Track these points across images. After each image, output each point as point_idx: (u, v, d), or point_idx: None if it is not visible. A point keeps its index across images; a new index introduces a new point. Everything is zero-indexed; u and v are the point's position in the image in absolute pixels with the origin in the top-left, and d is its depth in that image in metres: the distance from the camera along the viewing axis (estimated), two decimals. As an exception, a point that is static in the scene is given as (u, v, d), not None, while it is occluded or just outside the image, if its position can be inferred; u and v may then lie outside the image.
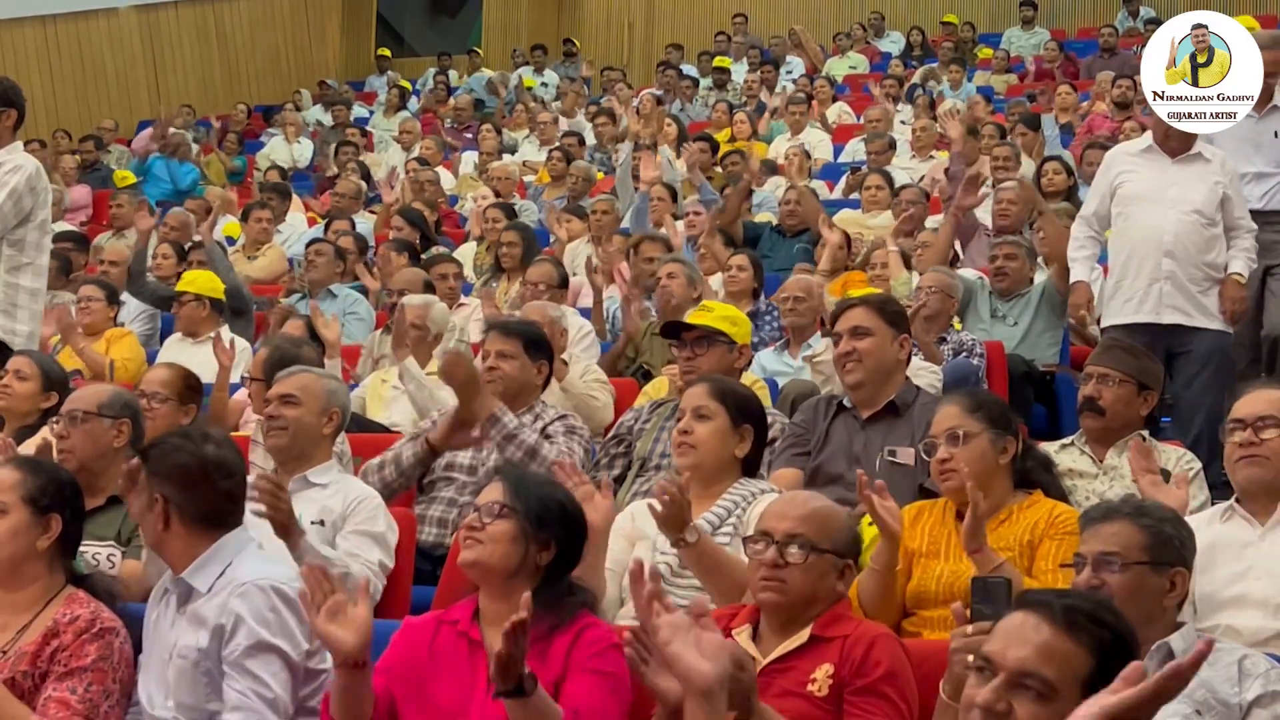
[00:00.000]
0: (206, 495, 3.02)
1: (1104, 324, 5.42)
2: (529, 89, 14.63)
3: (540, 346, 4.46)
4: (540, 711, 2.55)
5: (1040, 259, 6.46)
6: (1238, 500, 3.31)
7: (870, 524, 3.19)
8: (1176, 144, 5.29)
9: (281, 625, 2.90)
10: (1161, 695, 1.80)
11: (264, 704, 2.84)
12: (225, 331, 6.46)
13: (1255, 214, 5.46)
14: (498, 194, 9.63)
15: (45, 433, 4.10)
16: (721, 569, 3.17)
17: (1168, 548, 2.71)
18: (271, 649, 2.88)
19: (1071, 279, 5.56)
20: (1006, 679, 1.99)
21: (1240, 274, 5.30)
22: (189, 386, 4.47)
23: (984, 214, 7.34)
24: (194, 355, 6.11)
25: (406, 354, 5.21)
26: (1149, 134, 5.47)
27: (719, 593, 3.16)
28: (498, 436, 4.05)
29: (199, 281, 6.62)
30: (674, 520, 3.14)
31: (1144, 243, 5.25)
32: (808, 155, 9.96)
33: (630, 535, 3.48)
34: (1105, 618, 2.05)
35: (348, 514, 3.68)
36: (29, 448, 3.98)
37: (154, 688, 2.97)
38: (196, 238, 8.37)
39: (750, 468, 3.57)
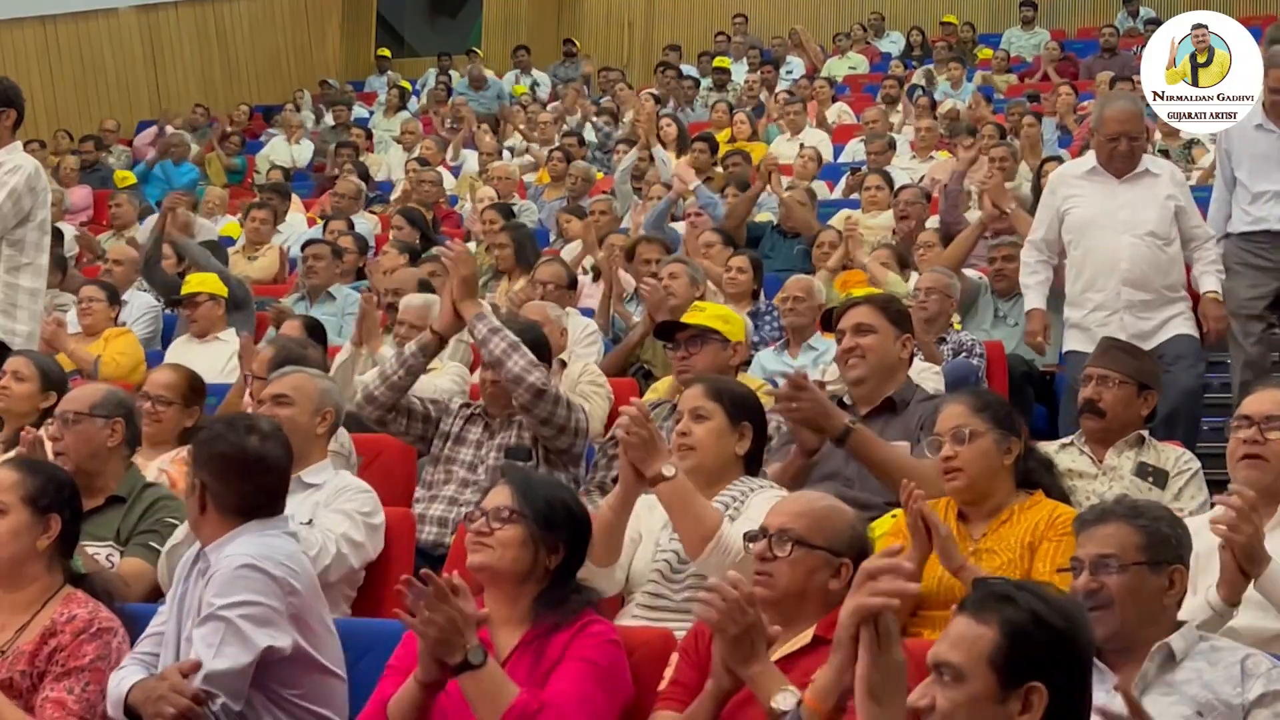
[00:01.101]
0: (242, 487, 3.03)
1: (1065, 349, 5.33)
2: (518, 95, 14.59)
3: (540, 351, 4.46)
4: (494, 685, 2.62)
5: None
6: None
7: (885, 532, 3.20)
8: (1121, 165, 5.15)
9: (239, 597, 2.88)
10: None
11: (198, 670, 2.85)
12: (230, 334, 6.46)
13: (1273, 235, 5.41)
14: (499, 194, 9.62)
15: (42, 433, 4.10)
16: (692, 510, 3.17)
17: (1164, 546, 2.71)
18: (216, 619, 2.88)
19: (1026, 306, 5.42)
20: (932, 676, 2.10)
21: (1215, 291, 5.20)
22: (193, 389, 4.47)
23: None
24: (200, 355, 6.11)
25: (378, 345, 5.23)
26: (1092, 155, 5.33)
27: (687, 536, 3.18)
28: (484, 330, 4.17)
29: (209, 282, 6.63)
30: (645, 453, 3.14)
31: (1100, 271, 5.13)
32: (819, 161, 9.99)
33: (632, 529, 3.47)
34: (1018, 596, 2.10)
35: (331, 501, 3.70)
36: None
37: (169, 661, 2.98)
38: (201, 236, 8.37)
39: (752, 465, 3.57)
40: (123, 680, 2.95)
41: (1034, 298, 5.37)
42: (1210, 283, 5.22)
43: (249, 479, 3.04)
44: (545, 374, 4.22)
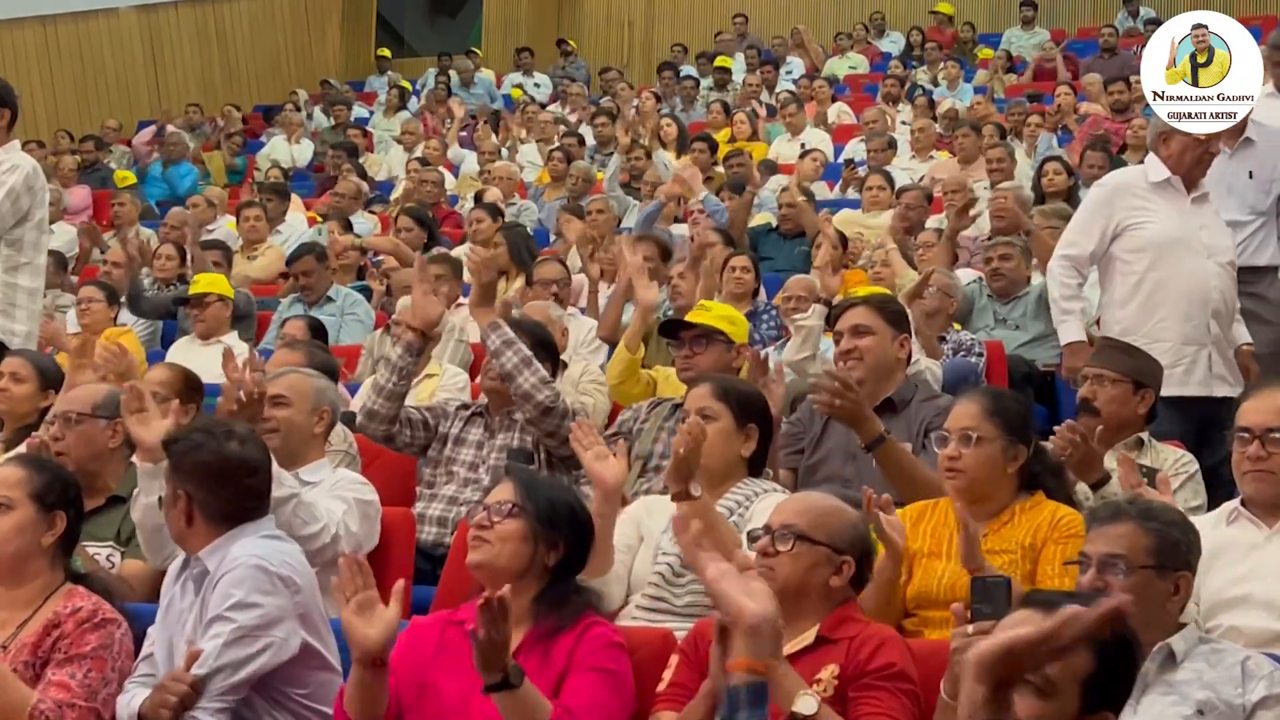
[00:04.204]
0: (229, 493, 3.03)
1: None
2: (516, 99, 14.58)
3: (548, 350, 4.46)
4: (529, 705, 2.59)
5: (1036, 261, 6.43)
6: (1243, 503, 3.29)
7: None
8: (1201, 172, 4.74)
9: (249, 599, 2.89)
10: (1056, 638, 1.71)
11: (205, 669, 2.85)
12: (233, 338, 6.46)
13: None
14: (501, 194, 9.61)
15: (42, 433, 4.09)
16: (712, 534, 3.12)
17: (1174, 552, 2.69)
18: (223, 619, 2.89)
19: (1066, 337, 4.79)
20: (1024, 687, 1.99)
21: (1250, 342, 4.85)
22: (189, 386, 4.45)
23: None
24: (201, 356, 6.09)
25: None
26: (1153, 163, 4.86)
27: None
28: (498, 341, 4.16)
29: (218, 283, 6.62)
30: (686, 468, 3.16)
31: (1187, 300, 4.62)
32: (826, 164, 9.99)
33: (632, 534, 3.46)
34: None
35: (329, 491, 3.68)
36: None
37: (163, 668, 2.98)
38: (206, 236, 8.35)
39: (756, 466, 3.56)
40: (132, 699, 2.95)
41: (1075, 328, 4.76)
42: (1243, 332, 4.86)
43: (236, 484, 3.03)
44: (555, 390, 4.21)
